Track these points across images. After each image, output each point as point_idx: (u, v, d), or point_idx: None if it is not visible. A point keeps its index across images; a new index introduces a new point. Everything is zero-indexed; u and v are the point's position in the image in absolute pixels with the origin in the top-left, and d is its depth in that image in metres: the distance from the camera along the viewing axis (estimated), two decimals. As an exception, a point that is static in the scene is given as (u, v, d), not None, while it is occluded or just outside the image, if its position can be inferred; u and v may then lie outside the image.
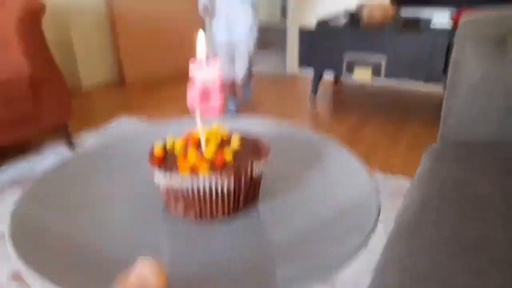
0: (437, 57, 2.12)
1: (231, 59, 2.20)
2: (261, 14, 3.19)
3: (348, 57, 2.35)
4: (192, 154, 0.51)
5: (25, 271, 0.44)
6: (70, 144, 2.04)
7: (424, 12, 2.57)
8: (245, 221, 0.53)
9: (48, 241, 0.49)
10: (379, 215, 0.52)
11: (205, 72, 0.50)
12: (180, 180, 0.50)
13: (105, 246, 0.48)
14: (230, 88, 2.29)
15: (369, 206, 0.54)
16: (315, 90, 2.69)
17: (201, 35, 0.51)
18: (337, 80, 3.11)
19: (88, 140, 2.14)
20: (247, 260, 0.46)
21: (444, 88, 1.00)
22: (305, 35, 2.47)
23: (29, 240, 0.49)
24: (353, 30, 2.42)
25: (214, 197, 0.51)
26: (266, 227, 0.54)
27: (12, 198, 1.61)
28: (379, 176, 1.72)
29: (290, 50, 3.31)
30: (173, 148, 0.55)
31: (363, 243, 0.47)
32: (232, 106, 2.29)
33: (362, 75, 2.35)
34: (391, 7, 2.48)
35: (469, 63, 0.95)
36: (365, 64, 2.32)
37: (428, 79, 2.21)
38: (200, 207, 0.52)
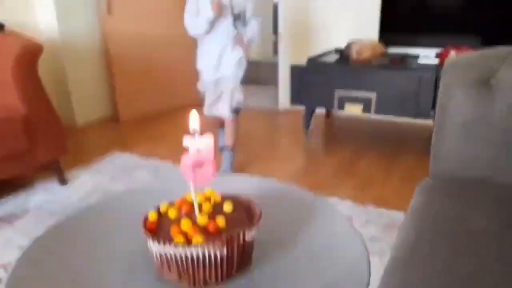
0: (424, 93, 2.17)
1: (219, 97, 2.10)
2: (254, 50, 3.27)
3: (339, 93, 2.40)
4: (185, 223, 0.52)
5: None
6: (62, 180, 2.03)
7: (411, 49, 2.65)
8: (238, 287, 0.54)
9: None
10: (369, 285, 0.54)
11: (198, 142, 0.53)
12: (174, 249, 0.51)
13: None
14: (219, 122, 2.22)
15: (360, 276, 0.56)
16: (307, 126, 2.73)
17: (193, 113, 0.55)
18: (329, 114, 3.16)
19: (81, 176, 2.13)
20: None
21: (434, 122, 1.02)
22: (296, 71, 2.53)
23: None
24: (343, 67, 2.48)
25: (207, 263, 0.52)
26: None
27: (1, 235, 1.58)
28: (373, 209, 1.72)
29: (282, 86, 3.39)
30: (167, 214, 0.56)
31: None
32: (226, 157, 2.17)
33: (353, 111, 2.40)
34: (379, 45, 2.57)
35: (454, 106, 0.98)
36: (355, 100, 2.37)
37: (417, 115, 2.25)
38: (194, 273, 0.53)
